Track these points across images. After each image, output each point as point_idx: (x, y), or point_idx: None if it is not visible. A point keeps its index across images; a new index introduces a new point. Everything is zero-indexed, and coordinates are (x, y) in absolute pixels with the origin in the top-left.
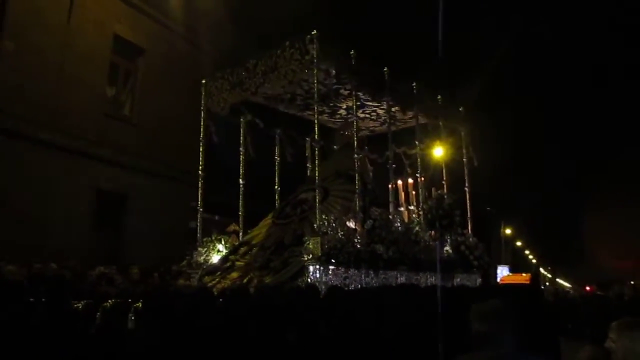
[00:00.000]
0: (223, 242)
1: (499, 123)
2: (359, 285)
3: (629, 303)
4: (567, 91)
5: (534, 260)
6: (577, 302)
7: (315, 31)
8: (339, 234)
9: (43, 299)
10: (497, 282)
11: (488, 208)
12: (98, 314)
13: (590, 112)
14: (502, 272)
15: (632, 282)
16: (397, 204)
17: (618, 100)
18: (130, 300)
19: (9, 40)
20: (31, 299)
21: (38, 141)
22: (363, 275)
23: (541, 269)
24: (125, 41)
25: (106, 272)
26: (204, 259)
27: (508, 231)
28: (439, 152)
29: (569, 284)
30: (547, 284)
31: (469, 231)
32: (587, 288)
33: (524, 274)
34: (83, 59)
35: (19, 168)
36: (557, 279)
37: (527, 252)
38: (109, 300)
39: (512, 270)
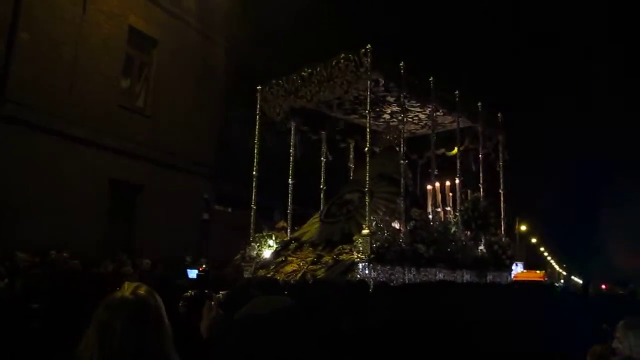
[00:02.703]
0: (274, 238)
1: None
2: (403, 282)
3: None
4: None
5: (548, 258)
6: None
7: (369, 45)
8: (386, 234)
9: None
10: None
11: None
12: (180, 303)
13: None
14: (517, 269)
15: None
16: (435, 205)
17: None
18: (206, 290)
19: (24, 32)
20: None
21: (53, 132)
22: (406, 272)
23: (556, 266)
24: (139, 33)
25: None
26: (257, 254)
27: (523, 227)
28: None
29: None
30: (562, 281)
31: (502, 231)
32: (603, 286)
33: (537, 271)
34: (98, 50)
35: (33, 159)
36: (572, 277)
37: (542, 249)
38: (189, 291)
39: (527, 267)
